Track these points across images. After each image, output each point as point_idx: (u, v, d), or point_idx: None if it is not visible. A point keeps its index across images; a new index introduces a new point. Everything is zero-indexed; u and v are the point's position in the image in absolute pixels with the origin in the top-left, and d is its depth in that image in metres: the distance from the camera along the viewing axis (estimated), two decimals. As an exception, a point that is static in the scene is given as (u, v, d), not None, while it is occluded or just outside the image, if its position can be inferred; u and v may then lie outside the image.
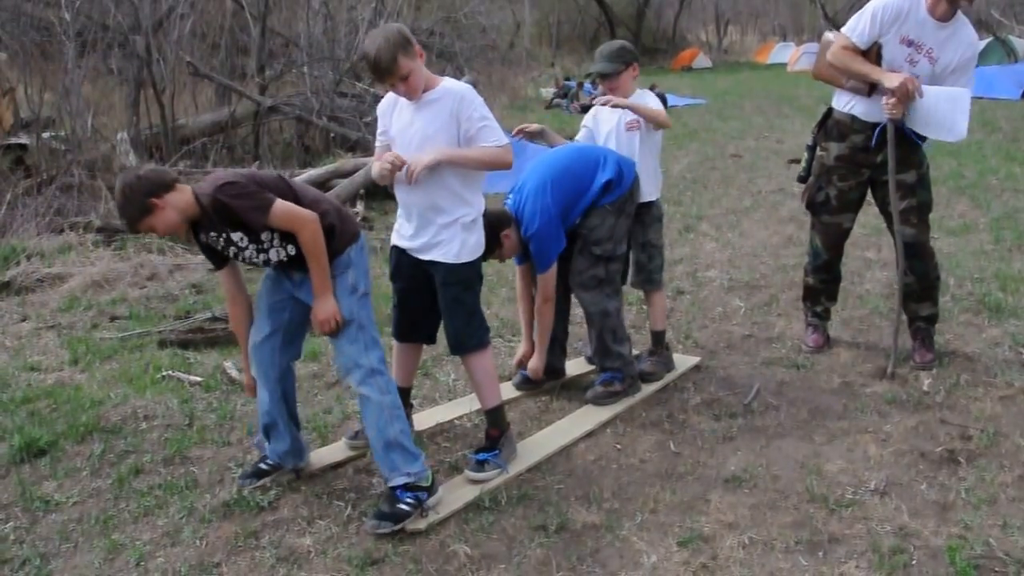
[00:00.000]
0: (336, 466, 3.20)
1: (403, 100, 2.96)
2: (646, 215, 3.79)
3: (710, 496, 2.90)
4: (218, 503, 2.95)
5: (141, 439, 3.46)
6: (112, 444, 3.42)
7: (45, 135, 8.25)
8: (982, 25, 28.00)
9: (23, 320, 5.09)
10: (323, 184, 8.61)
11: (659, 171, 3.87)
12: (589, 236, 3.50)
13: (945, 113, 3.54)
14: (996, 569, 2.45)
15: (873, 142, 3.73)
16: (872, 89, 3.66)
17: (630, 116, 3.72)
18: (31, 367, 4.31)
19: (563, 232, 3.48)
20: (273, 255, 2.78)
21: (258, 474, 3.06)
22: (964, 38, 3.62)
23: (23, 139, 8.17)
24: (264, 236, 2.73)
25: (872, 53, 3.65)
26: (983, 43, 23.86)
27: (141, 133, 9.24)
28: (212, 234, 2.75)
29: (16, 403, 3.83)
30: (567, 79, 21.98)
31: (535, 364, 3.68)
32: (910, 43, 3.59)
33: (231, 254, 2.82)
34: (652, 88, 18.71)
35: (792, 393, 3.69)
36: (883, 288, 5.01)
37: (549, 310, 3.57)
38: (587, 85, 19.73)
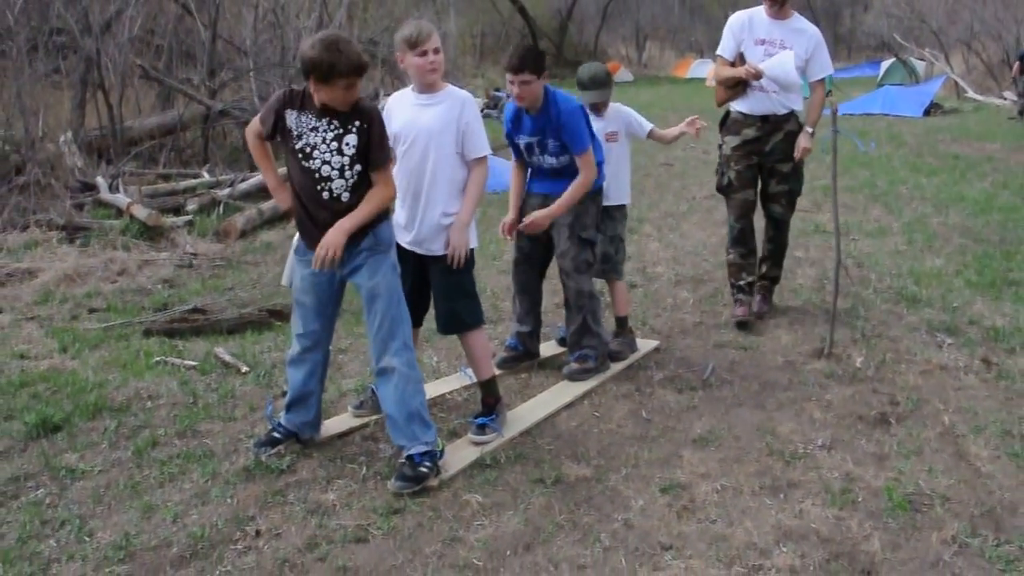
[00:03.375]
0: (342, 435, 3.48)
1: (408, 99, 3.32)
2: (617, 212, 4.24)
3: (682, 453, 3.31)
4: (239, 468, 3.20)
5: (150, 416, 3.67)
6: (124, 421, 3.62)
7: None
8: (885, 47, 29.69)
9: (-1, 312, 5.18)
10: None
11: (629, 177, 4.33)
12: (576, 223, 3.86)
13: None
14: (925, 503, 2.94)
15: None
16: (745, 86, 4.57)
17: (611, 128, 4.16)
18: (20, 355, 4.44)
19: (591, 128, 3.80)
20: (338, 184, 3.00)
21: (272, 442, 3.31)
22: (804, 29, 4.59)
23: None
24: (357, 167, 2.99)
25: (738, 63, 4.60)
26: (888, 63, 25.37)
27: (88, 135, 9.22)
28: (330, 122, 2.96)
29: (15, 387, 3.97)
30: (496, 90, 22.40)
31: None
32: (762, 42, 4.55)
33: (308, 145, 2.98)
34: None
35: (743, 370, 4.15)
36: (813, 283, 5.56)
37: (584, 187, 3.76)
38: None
